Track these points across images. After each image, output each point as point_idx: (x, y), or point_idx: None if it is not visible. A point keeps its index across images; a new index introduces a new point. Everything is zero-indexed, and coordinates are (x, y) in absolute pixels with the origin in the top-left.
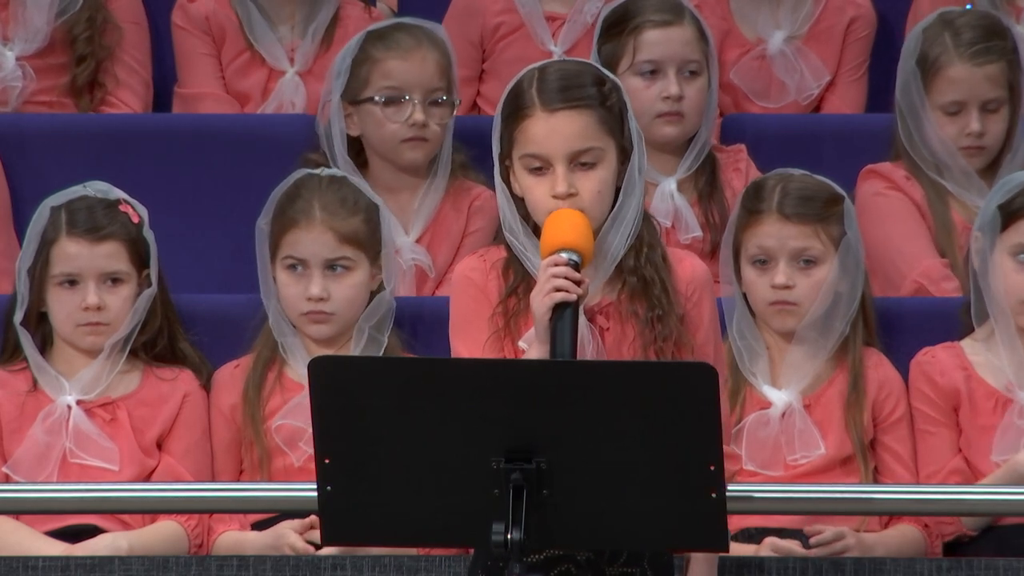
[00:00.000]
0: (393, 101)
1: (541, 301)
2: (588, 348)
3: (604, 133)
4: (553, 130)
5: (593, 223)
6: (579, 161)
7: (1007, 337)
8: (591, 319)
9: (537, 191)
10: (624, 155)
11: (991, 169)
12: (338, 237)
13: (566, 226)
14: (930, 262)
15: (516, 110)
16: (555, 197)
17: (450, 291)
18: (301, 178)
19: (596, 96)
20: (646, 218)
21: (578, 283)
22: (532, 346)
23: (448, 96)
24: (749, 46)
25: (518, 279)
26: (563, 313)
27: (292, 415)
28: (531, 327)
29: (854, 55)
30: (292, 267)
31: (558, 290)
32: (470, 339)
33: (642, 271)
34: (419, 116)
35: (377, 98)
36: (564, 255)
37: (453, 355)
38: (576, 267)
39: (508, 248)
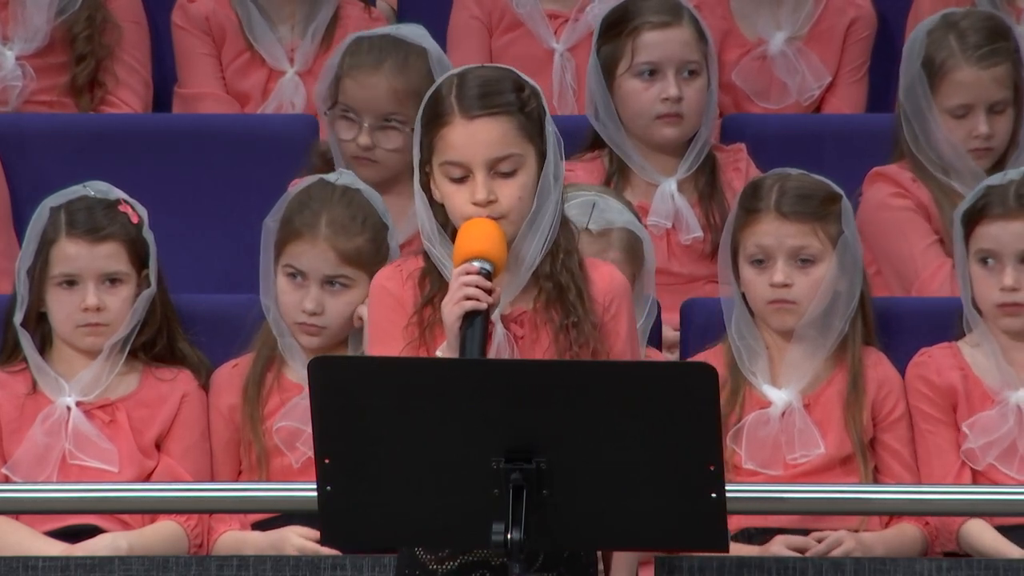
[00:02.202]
0: (346, 120)
1: (451, 309)
2: (503, 355)
3: (523, 139)
4: (472, 137)
5: (513, 228)
6: (499, 168)
7: (987, 341)
8: (506, 327)
9: (457, 198)
10: (544, 161)
11: (996, 168)
12: (340, 256)
13: (478, 235)
14: (939, 280)
15: (435, 117)
16: (475, 204)
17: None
18: (315, 185)
19: (515, 102)
20: (564, 224)
21: (489, 291)
22: (443, 353)
23: (404, 124)
24: (749, 46)
25: (434, 289)
26: (473, 321)
27: (291, 416)
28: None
29: (854, 56)
30: (292, 276)
31: (468, 299)
32: (386, 348)
33: (557, 277)
34: (364, 140)
35: (327, 114)
36: (476, 264)
37: None
38: (488, 276)
39: (425, 259)
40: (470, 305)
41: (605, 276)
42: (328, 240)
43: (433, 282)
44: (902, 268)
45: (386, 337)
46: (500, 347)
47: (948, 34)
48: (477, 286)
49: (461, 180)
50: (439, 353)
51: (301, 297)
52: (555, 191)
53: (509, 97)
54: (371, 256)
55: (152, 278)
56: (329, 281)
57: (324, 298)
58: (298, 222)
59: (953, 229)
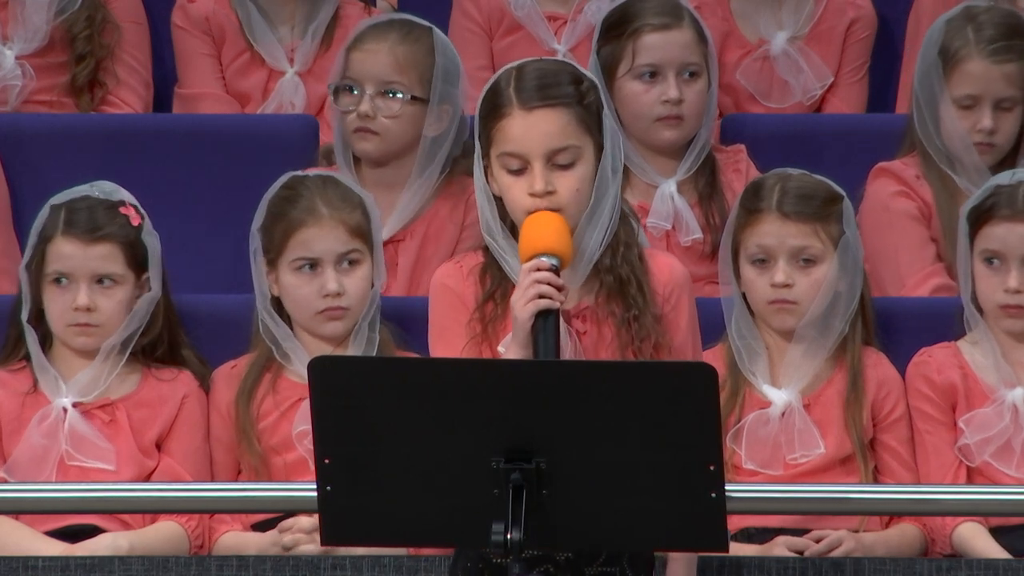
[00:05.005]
0: (346, 91)
1: (524, 307)
2: (566, 352)
3: (582, 132)
4: (530, 128)
5: (572, 221)
6: (556, 160)
7: (987, 339)
8: (568, 322)
9: (515, 190)
10: (602, 154)
11: (1000, 168)
12: (349, 230)
13: (545, 229)
14: (923, 285)
15: (494, 109)
16: (533, 195)
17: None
18: (292, 180)
19: (574, 94)
20: (623, 217)
21: (559, 288)
22: (510, 350)
23: (405, 93)
24: (750, 47)
25: (495, 284)
26: (546, 320)
27: (307, 419)
28: (509, 332)
29: (855, 56)
30: (302, 268)
31: (541, 296)
32: (448, 345)
33: (618, 270)
34: (364, 107)
35: (330, 87)
36: (544, 259)
37: None
38: (556, 271)
39: (485, 253)
40: (544, 304)
41: (665, 268)
42: (334, 217)
43: (494, 277)
44: (890, 273)
45: (448, 335)
46: (563, 344)
47: (966, 25)
48: (549, 283)
49: (519, 172)
50: (502, 347)
51: (320, 284)
52: (613, 184)
53: (568, 89)
54: (368, 231)
55: (155, 282)
56: (341, 260)
57: (340, 278)
58: (295, 212)
59: (958, 226)
